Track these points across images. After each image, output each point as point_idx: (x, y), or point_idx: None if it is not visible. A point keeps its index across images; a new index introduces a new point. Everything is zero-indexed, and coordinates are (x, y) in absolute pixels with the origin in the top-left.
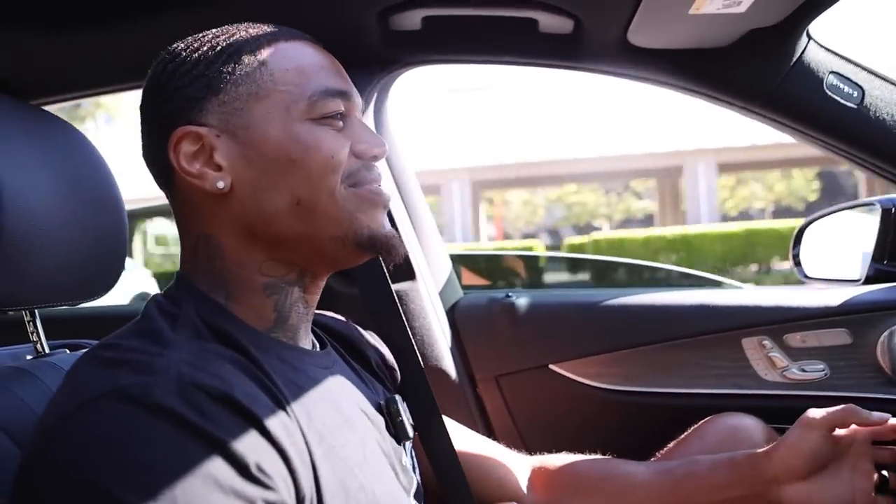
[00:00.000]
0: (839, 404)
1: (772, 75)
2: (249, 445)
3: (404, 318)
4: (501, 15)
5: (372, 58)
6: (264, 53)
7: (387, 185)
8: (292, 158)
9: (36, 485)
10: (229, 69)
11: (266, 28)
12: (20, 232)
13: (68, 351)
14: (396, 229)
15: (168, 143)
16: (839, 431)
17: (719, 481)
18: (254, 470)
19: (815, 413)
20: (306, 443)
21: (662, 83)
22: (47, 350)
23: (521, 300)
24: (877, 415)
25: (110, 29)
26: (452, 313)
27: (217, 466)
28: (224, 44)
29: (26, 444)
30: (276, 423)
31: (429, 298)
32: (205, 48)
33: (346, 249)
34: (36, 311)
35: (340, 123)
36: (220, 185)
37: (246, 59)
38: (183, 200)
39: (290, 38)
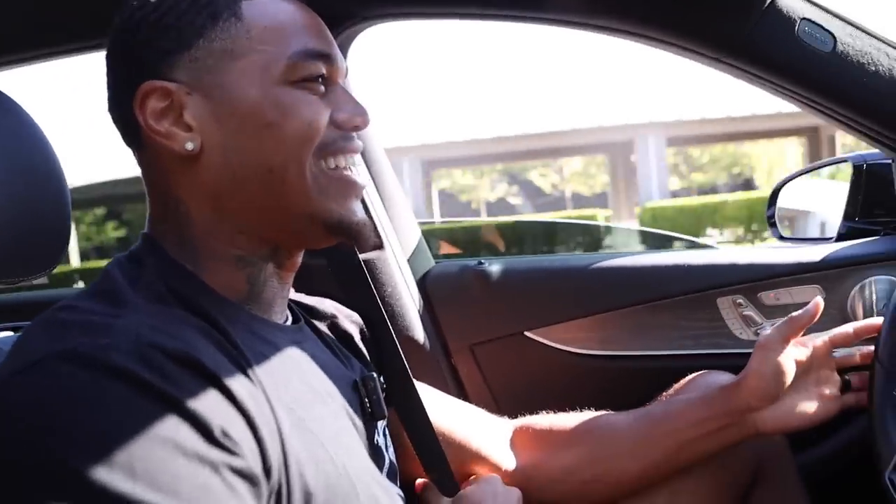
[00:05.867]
0: None
1: (742, 22)
2: (214, 409)
3: (373, 288)
4: None
5: (326, 12)
6: (242, 8)
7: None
8: (267, 122)
9: None
10: (203, 22)
11: None
12: None
13: (13, 333)
14: (370, 215)
15: (134, 99)
16: (798, 350)
17: (696, 417)
18: (218, 434)
19: (765, 333)
20: (273, 413)
21: (628, 34)
22: None
23: (494, 267)
24: (809, 306)
25: None
26: (424, 282)
27: (179, 430)
28: None
29: None
30: (243, 390)
31: (397, 267)
32: None
33: (313, 229)
34: None
35: (322, 88)
36: (189, 146)
37: (221, 12)
38: (151, 160)
39: None
